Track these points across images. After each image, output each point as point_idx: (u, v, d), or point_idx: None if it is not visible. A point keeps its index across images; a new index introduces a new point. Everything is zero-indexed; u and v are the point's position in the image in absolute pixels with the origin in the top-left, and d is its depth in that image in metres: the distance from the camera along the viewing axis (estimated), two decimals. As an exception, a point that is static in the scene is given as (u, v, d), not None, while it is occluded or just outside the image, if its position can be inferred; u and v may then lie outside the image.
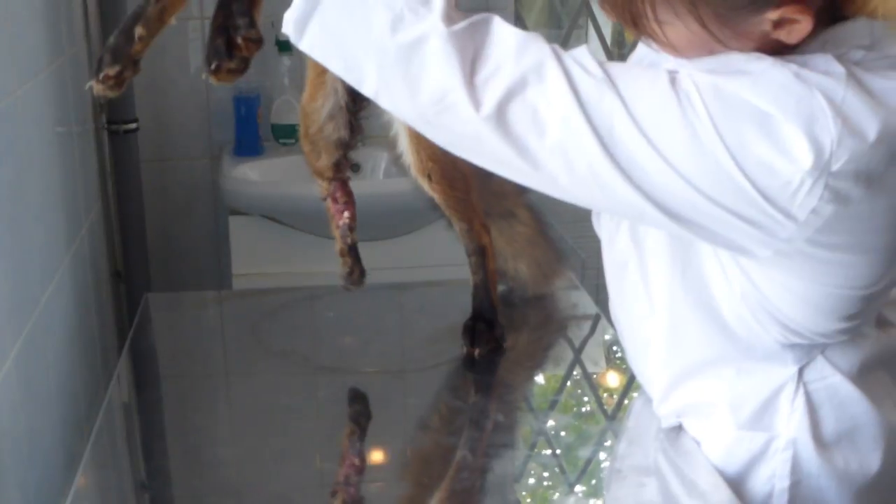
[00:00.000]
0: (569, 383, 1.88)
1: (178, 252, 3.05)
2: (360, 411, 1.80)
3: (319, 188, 1.87)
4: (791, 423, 1.39)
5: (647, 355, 1.51)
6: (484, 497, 1.52)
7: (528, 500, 1.54)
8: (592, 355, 2.01)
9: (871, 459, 1.39)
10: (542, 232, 2.05)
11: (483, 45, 1.23)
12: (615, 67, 1.23)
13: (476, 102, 1.21)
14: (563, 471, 1.57)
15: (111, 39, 1.39)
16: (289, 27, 1.27)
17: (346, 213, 1.85)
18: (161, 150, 2.98)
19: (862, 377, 1.39)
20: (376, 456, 1.65)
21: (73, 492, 1.43)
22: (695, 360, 1.44)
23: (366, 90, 1.28)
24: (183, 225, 3.05)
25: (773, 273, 1.29)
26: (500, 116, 1.21)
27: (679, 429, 1.52)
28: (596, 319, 2.08)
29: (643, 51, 1.46)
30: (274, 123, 2.93)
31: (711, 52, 1.24)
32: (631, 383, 1.75)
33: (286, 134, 2.92)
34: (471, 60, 1.22)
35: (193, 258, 3.07)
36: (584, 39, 3.63)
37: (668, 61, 1.30)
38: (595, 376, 1.93)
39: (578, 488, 1.54)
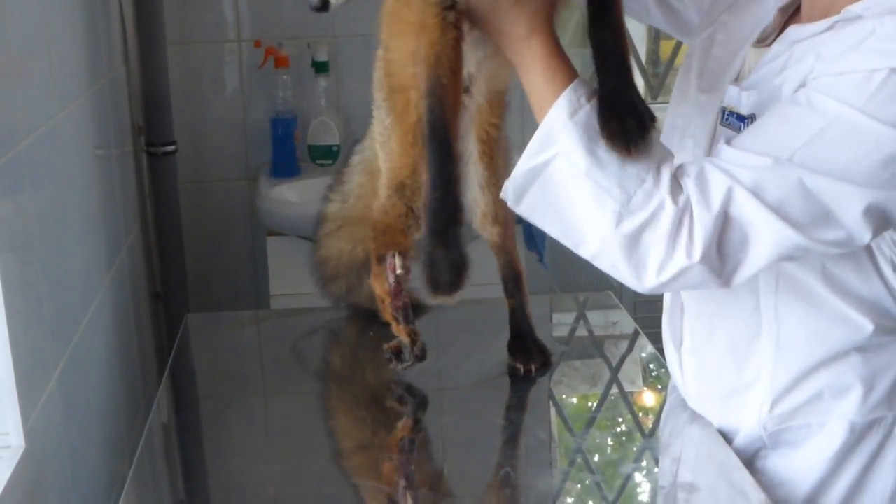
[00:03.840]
0: (606, 402, 1.88)
1: (217, 272, 3.08)
2: (399, 428, 1.80)
3: (390, 279, 1.81)
4: None
5: (750, 360, 1.51)
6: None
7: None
8: (630, 374, 2.00)
9: None
10: None
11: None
12: (768, 133, 1.29)
13: (715, 269, 1.29)
14: (600, 489, 1.57)
15: (441, 238, 1.42)
16: (507, 194, 1.35)
17: (403, 293, 1.82)
18: (199, 172, 3.01)
19: None
20: (416, 473, 1.65)
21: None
22: (822, 351, 1.46)
23: (582, 253, 1.34)
24: (221, 246, 3.08)
25: None
26: (717, 257, 1.29)
27: (719, 442, 1.53)
28: (634, 336, 2.09)
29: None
30: (311, 144, 2.95)
31: None
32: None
33: (322, 155, 2.94)
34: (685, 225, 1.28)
35: (231, 278, 3.09)
36: (618, 58, 3.63)
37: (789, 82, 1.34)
38: (633, 395, 1.92)
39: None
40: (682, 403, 1.65)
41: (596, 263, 1.35)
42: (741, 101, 1.42)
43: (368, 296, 1.98)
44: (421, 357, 1.81)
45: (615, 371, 1.99)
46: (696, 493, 1.50)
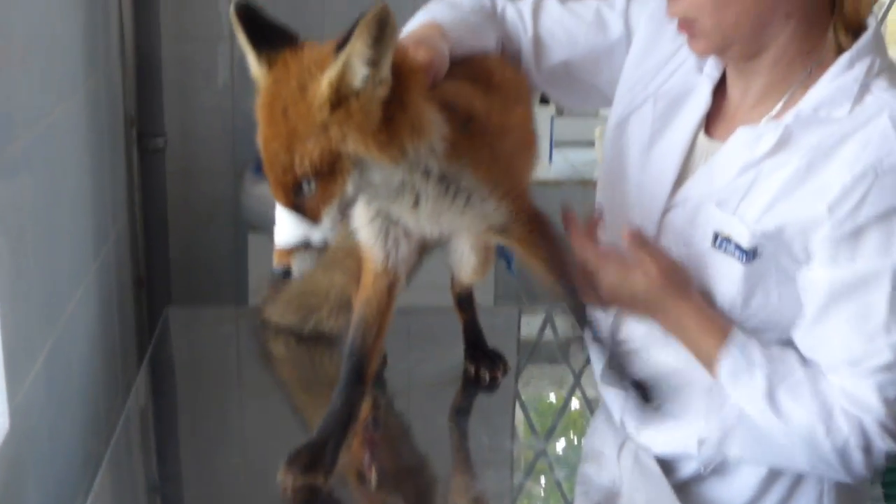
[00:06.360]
0: (570, 407, 1.96)
1: (199, 264, 3.13)
2: (367, 422, 1.85)
3: None
4: None
5: (692, 406, 1.59)
6: None
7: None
8: (593, 380, 2.06)
9: None
10: None
11: None
12: (858, 330, 1.41)
13: None
14: (560, 489, 1.65)
15: (324, 441, 1.49)
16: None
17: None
18: (186, 164, 3.06)
19: None
20: (381, 462, 1.70)
21: (93, 491, 1.50)
22: None
23: None
24: (204, 238, 3.13)
25: None
26: None
27: (638, 449, 1.64)
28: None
29: None
30: (296, 143, 2.99)
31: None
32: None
33: (308, 154, 2.98)
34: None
35: (213, 271, 3.14)
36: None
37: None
38: (594, 401, 1.98)
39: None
40: (611, 420, 1.72)
41: None
42: (739, 232, 1.47)
43: (330, 328, 2.02)
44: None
45: (578, 377, 2.05)
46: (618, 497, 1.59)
